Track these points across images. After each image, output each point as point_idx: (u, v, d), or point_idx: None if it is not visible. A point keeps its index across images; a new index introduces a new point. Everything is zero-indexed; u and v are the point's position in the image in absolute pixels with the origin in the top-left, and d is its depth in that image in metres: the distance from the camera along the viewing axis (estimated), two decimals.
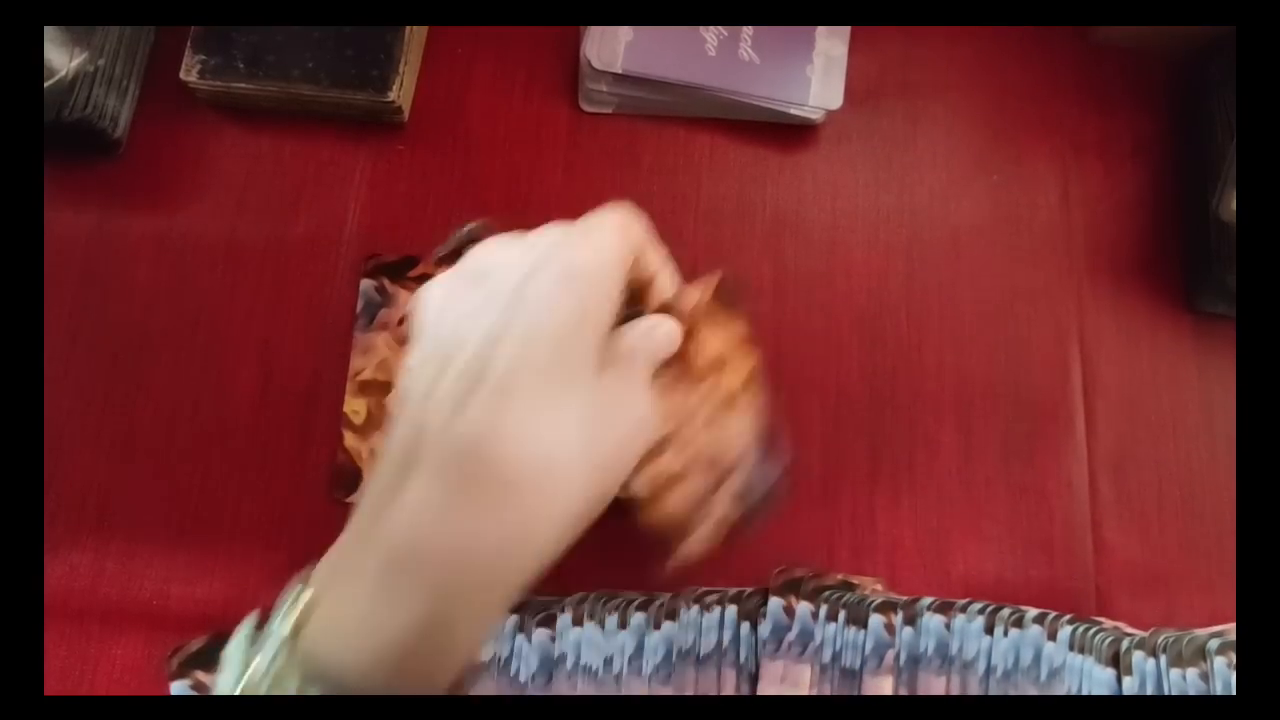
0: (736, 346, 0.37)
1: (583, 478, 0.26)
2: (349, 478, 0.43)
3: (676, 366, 0.33)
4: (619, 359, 0.28)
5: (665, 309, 0.33)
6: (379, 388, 0.44)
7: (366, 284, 0.45)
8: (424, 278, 0.45)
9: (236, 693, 0.24)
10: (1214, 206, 0.46)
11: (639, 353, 0.29)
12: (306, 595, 0.24)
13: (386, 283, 0.45)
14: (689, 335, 0.34)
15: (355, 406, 0.44)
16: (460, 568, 0.24)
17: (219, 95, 0.46)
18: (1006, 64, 0.52)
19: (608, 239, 0.29)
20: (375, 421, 0.44)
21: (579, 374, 0.26)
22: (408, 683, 0.24)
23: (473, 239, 0.30)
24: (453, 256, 0.30)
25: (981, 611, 0.42)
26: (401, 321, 0.42)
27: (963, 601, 0.42)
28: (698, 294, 0.34)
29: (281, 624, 0.24)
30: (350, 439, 0.43)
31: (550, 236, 0.28)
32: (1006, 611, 0.42)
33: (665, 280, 0.32)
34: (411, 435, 0.25)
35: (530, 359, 0.25)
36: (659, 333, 0.31)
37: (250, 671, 0.24)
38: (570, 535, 0.26)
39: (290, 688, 0.23)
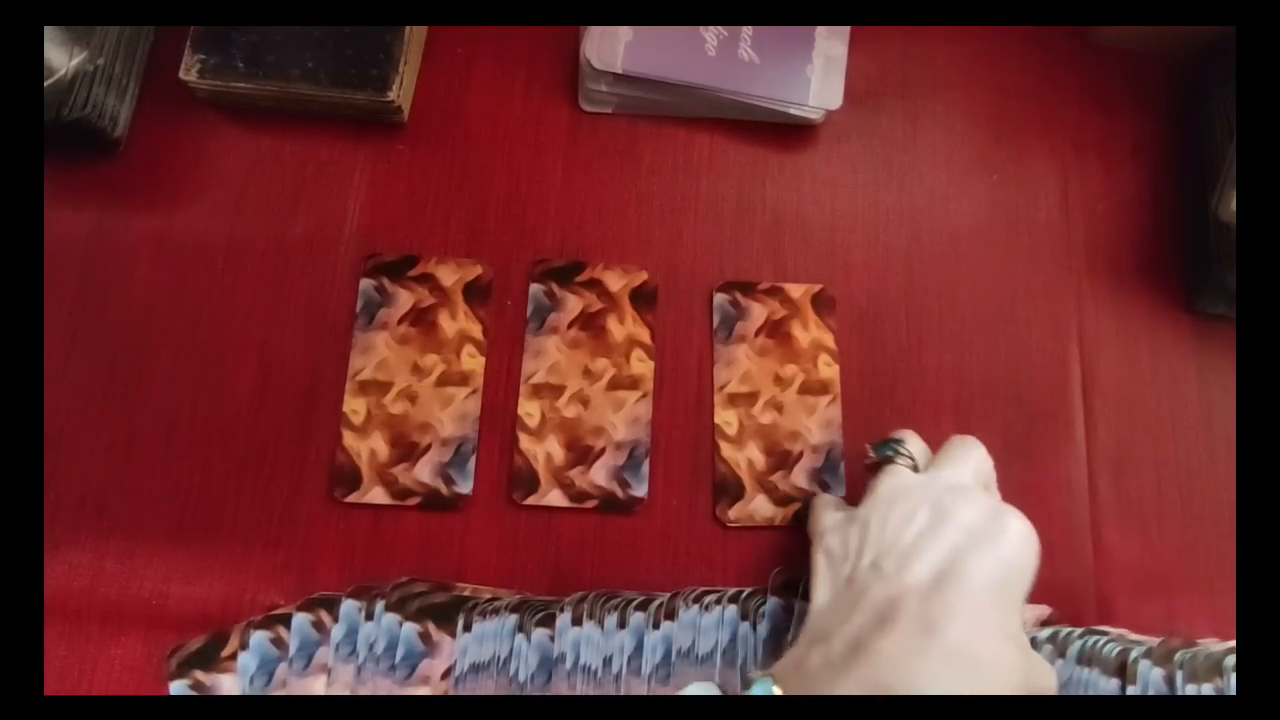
0: (824, 350, 0.45)
1: (1009, 681, 0.32)
2: (348, 477, 0.43)
3: (774, 341, 0.42)
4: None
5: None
6: (378, 387, 0.44)
7: (366, 283, 0.45)
8: (424, 278, 0.45)
9: None
10: (1214, 207, 0.46)
11: (1022, 595, 0.36)
12: (777, 691, 0.32)
13: (386, 282, 0.45)
14: (798, 320, 0.44)
15: (355, 406, 0.44)
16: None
17: (219, 95, 0.46)
18: (1006, 64, 0.52)
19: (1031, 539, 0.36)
20: (374, 421, 0.44)
21: (1007, 609, 0.34)
22: None
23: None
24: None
25: None
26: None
27: None
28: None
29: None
30: (350, 439, 0.43)
31: (992, 504, 0.36)
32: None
33: None
34: (887, 593, 0.33)
35: (990, 582, 0.33)
36: (1038, 611, 0.43)
37: None
38: None
39: None
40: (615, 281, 0.46)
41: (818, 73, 0.48)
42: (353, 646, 0.40)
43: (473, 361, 0.45)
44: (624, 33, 0.47)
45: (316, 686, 0.39)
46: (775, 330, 0.46)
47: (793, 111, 0.48)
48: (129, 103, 0.47)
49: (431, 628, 0.40)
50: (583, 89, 0.49)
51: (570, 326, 0.46)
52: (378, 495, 0.43)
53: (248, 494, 0.43)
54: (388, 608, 0.40)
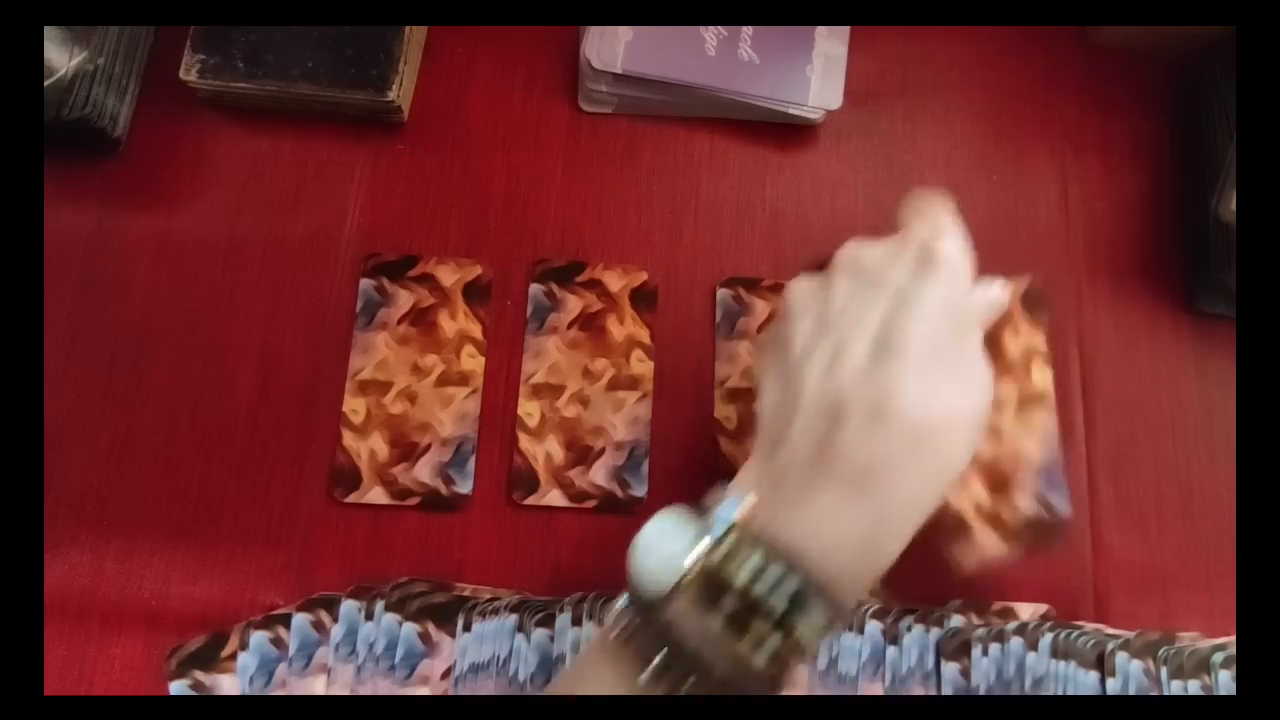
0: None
1: (971, 434, 0.31)
2: (348, 477, 0.43)
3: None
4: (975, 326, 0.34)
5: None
6: (378, 387, 0.44)
7: (366, 283, 0.45)
8: (424, 278, 0.45)
9: (687, 564, 0.28)
10: (1214, 206, 0.46)
11: (978, 315, 0.35)
12: (752, 498, 0.30)
13: (386, 282, 0.45)
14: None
15: (355, 406, 0.44)
16: (895, 487, 0.30)
17: (219, 94, 0.46)
18: (1006, 64, 0.52)
19: (953, 230, 0.34)
20: (374, 421, 0.44)
21: (962, 344, 0.32)
22: (859, 565, 0.30)
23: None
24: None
25: (959, 632, 0.42)
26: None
27: (940, 611, 0.42)
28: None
29: (732, 512, 0.29)
30: (349, 439, 0.43)
31: (905, 239, 0.34)
32: (983, 631, 0.41)
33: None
34: (825, 390, 0.31)
35: (928, 333, 0.30)
36: (995, 296, 0.37)
37: (701, 545, 0.29)
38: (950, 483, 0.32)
39: (752, 561, 0.28)
40: (615, 281, 0.46)
41: (818, 73, 0.48)
42: (352, 646, 0.40)
43: (472, 361, 0.45)
44: (624, 33, 0.47)
45: (316, 686, 0.39)
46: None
47: (793, 111, 0.48)
48: (129, 102, 0.47)
49: (431, 628, 0.40)
50: (583, 89, 0.49)
51: (570, 326, 0.46)
52: (378, 495, 0.43)
53: (248, 494, 0.43)
54: (387, 608, 0.40)
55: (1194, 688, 0.41)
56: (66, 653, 0.40)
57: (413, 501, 0.43)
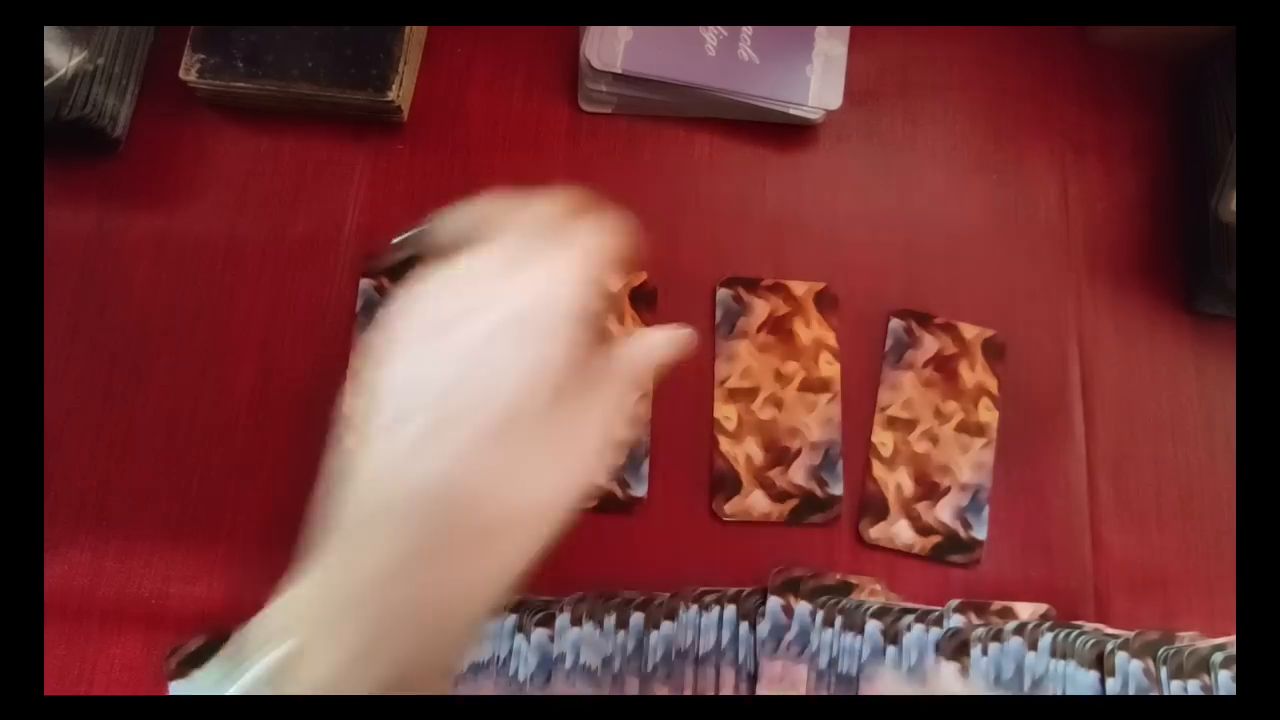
0: (825, 348, 0.44)
1: (547, 517, 0.27)
2: None
3: (776, 337, 0.41)
4: (600, 381, 0.29)
5: None
6: None
7: (366, 284, 0.45)
8: None
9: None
10: (1214, 206, 0.46)
11: (624, 373, 0.30)
12: (291, 647, 0.25)
13: (386, 282, 0.45)
14: (799, 317, 0.43)
15: (356, 406, 0.44)
16: (440, 613, 0.25)
17: (218, 94, 0.46)
18: (1006, 64, 0.52)
19: (563, 273, 0.28)
20: None
21: (539, 419, 0.27)
22: None
23: (422, 247, 0.30)
24: (404, 264, 0.30)
25: (959, 632, 0.42)
26: None
27: (940, 611, 0.42)
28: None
29: (262, 670, 0.25)
30: (351, 439, 0.43)
31: (506, 276, 0.28)
32: (982, 630, 0.42)
33: None
34: (375, 490, 0.26)
35: (492, 412, 0.26)
36: (651, 350, 0.31)
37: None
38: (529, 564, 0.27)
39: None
40: (615, 282, 0.46)
41: (817, 73, 0.48)
42: None
43: None
44: (624, 33, 0.47)
45: None
46: (778, 327, 0.46)
47: (793, 111, 0.48)
48: (129, 102, 0.47)
49: None
50: (583, 89, 0.49)
51: None
52: None
53: (248, 494, 0.43)
54: None
55: (1194, 688, 0.41)
56: (66, 653, 0.40)
57: None
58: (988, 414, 0.46)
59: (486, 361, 0.26)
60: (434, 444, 0.25)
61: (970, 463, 0.45)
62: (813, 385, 0.46)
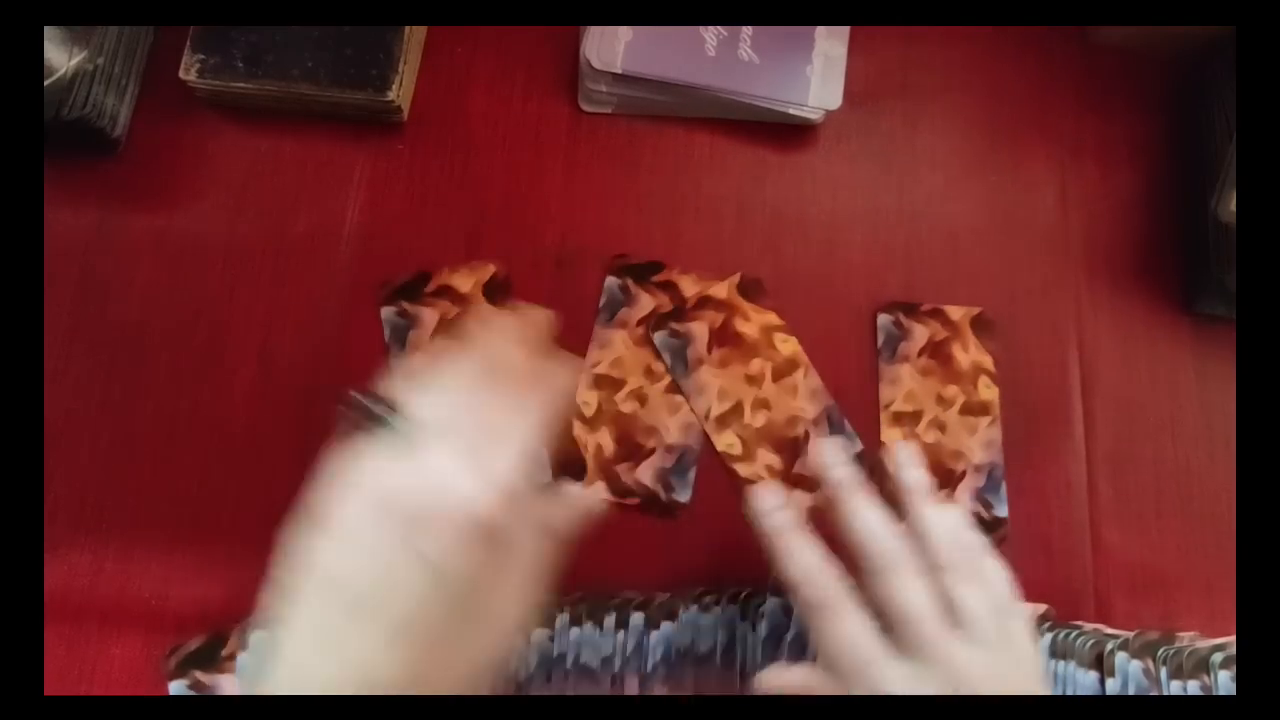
0: (774, 330, 0.45)
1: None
2: None
3: (728, 348, 0.43)
4: (529, 539, 0.31)
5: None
6: None
7: (388, 312, 0.45)
8: (442, 290, 0.45)
9: None
10: (1213, 207, 0.46)
11: (549, 532, 0.32)
12: None
13: (407, 305, 0.45)
14: (737, 316, 0.45)
15: None
16: None
17: (218, 94, 0.46)
18: (1005, 65, 0.52)
19: (504, 462, 0.29)
20: None
21: (469, 613, 0.28)
22: None
23: (373, 415, 0.30)
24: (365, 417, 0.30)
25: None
26: None
27: None
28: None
29: None
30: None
31: (446, 467, 0.28)
32: None
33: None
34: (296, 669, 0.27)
35: (431, 607, 0.27)
36: (576, 514, 0.34)
37: None
38: None
39: None
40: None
41: (817, 73, 0.48)
42: None
43: None
44: (624, 33, 0.47)
45: None
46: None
47: (793, 111, 0.48)
48: (129, 102, 0.47)
49: None
50: (583, 89, 0.49)
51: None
52: None
53: (248, 494, 0.43)
54: None
55: (1193, 688, 0.41)
56: (66, 653, 0.40)
57: None
58: (988, 391, 0.46)
59: (425, 562, 0.27)
60: (359, 625, 0.27)
61: (980, 443, 0.45)
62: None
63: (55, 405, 0.43)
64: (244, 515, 0.43)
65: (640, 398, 0.45)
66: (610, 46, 0.47)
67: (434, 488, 0.28)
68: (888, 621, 0.32)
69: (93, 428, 0.43)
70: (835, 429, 0.45)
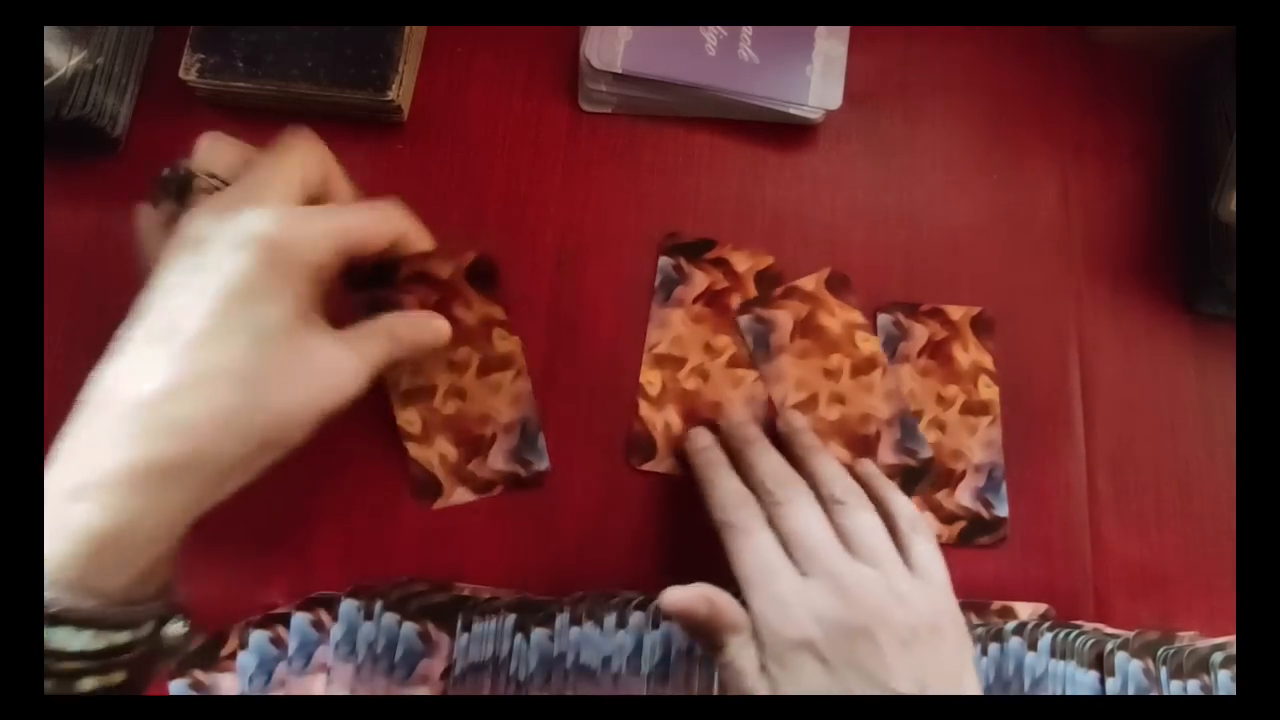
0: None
1: (244, 427, 0.31)
2: None
3: (810, 340, 0.45)
4: (361, 332, 0.35)
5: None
6: (425, 393, 0.44)
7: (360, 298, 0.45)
8: (419, 276, 0.45)
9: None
10: (1214, 207, 0.46)
11: (381, 336, 0.36)
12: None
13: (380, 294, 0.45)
14: (822, 310, 0.46)
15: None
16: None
17: (218, 94, 0.46)
18: (1006, 64, 0.52)
19: (280, 179, 0.34)
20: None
21: (262, 329, 0.31)
22: None
23: (183, 183, 0.35)
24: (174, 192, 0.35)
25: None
26: None
27: None
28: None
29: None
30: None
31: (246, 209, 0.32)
32: (981, 630, 0.42)
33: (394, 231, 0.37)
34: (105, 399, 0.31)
35: (206, 315, 0.30)
36: (419, 328, 0.38)
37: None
38: (235, 473, 0.32)
39: None
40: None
41: (817, 73, 0.48)
42: (352, 646, 0.40)
43: (505, 344, 0.45)
44: (624, 33, 0.47)
45: (316, 686, 0.39)
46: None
47: (793, 111, 0.48)
48: (128, 102, 0.47)
49: (431, 627, 0.40)
50: (583, 89, 0.49)
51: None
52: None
53: (247, 493, 0.43)
54: (387, 607, 0.40)
55: (1193, 687, 0.41)
56: None
57: (409, 496, 0.43)
58: (988, 390, 0.46)
59: (206, 274, 0.31)
60: (156, 347, 0.31)
61: (980, 442, 0.45)
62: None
63: (55, 405, 0.43)
64: (244, 514, 0.43)
65: (702, 374, 0.45)
66: (610, 46, 0.47)
67: (225, 218, 0.32)
68: (790, 545, 0.36)
69: None
70: (908, 432, 0.45)
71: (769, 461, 0.39)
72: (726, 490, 0.39)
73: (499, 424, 0.44)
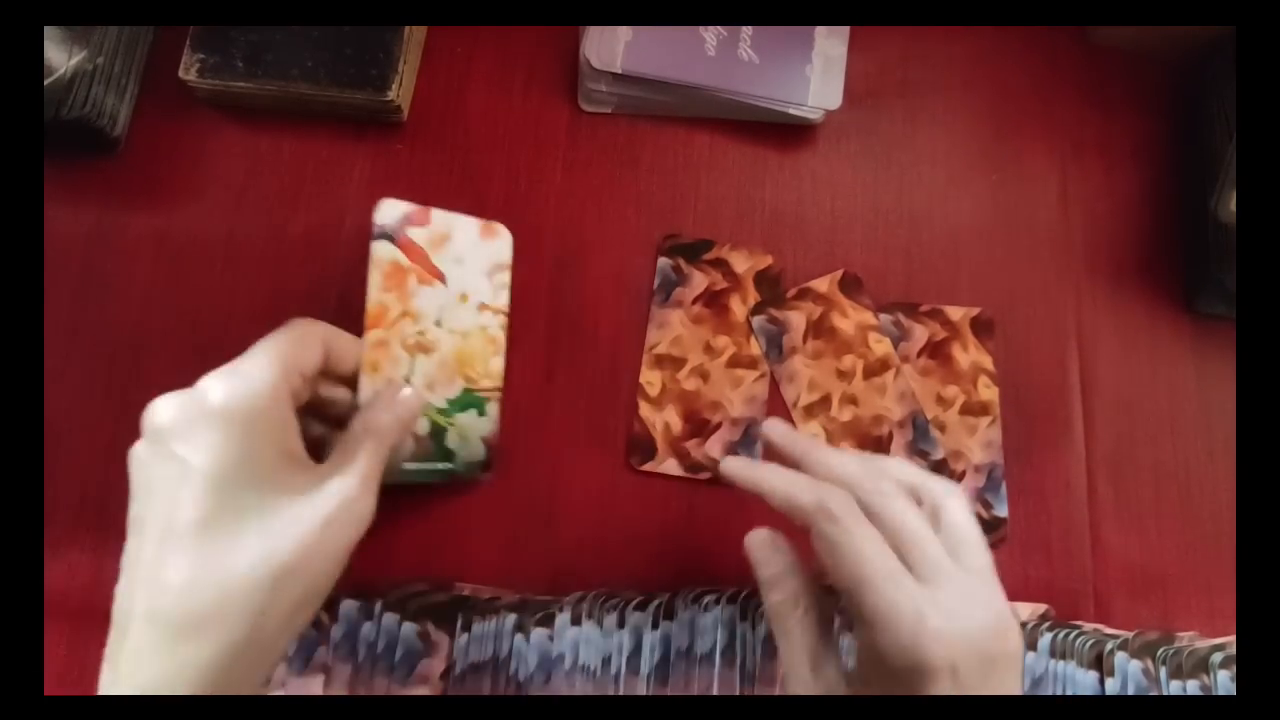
0: (869, 329, 0.46)
1: (262, 597, 0.29)
2: None
3: (823, 340, 0.45)
4: (345, 449, 0.33)
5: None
6: None
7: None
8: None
9: None
10: (1213, 206, 0.46)
11: (365, 441, 0.33)
12: None
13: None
14: (835, 311, 0.46)
15: None
16: None
17: (218, 94, 0.46)
18: (1006, 64, 0.52)
19: (256, 365, 0.32)
20: None
21: (254, 500, 0.29)
22: None
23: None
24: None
25: None
26: None
27: None
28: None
29: None
30: None
31: (203, 383, 0.31)
32: None
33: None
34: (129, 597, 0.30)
35: (191, 504, 0.29)
36: (393, 410, 0.35)
37: None
38: (282, 635, 0.30)
39: None
40: (740, 263, 0.47)
41: (817, 73, 0.48)
42: (352, 646, 0.40)
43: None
44: (624, 33, 0.47)
45: (315, 686, 0.39)
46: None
47: (792, 111, 0.48)
48: (128, 102, 0.47)
49: (431, 627, 0.40)
50: (582, 89, 0.49)
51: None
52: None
53: None
54: (387, 607, 0.40)
55: (1193, 688, 0.41)
56: (66, 653, 0.40)
57: (408, 497, 0.43)
58: (988, 391, 0.46)
59: (178, 462, 0.29)
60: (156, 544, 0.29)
61: (980, 443, 0.45)
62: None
63: (55, 405, 0.43)
64: None
65: (702, 374, 0.45)
66: (610, 46, 0.47)
67: (182, 399, 0.30)
68: (899, 542, 0.31)
69: (92, 427, 0.43)
70: (920, 433, 0.45)
71: (838, 455, 0.35)
72: (801, 480, 0.34)
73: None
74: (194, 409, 0.30)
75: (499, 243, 0.41)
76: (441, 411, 0.40)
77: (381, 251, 0.38)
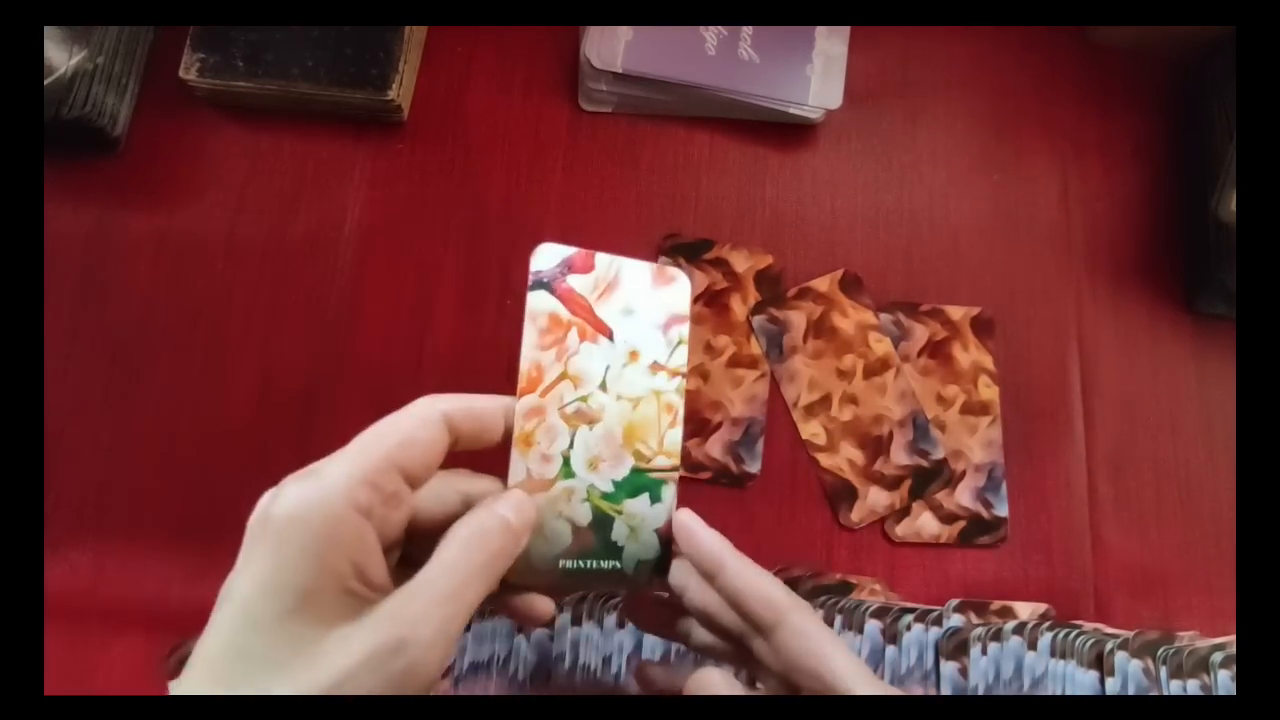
0: (869, 328, 0.46)
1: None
2: None
3: (823, 340, 0.45)
4: (430, 572, 0.27)
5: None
6: None
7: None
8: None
9: None
10: (1214, 206, 0.46)
11: (456, 566, 0.28)
12: None
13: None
14: (836, 311, 0.46)
15: None
16: None
17: (218, 93, 0.46)
18: (1006, 64, 0.52)
19: (336, 470, 0.27)
20: None
21: (295, 630, 0.26)
22: None
23: None
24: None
25: (958, 631, 0.42)
26: None
27: (940, 610, 0.42)
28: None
29: None
30: None
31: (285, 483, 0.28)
32: (981, 630, 0.42)
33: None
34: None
35: (226, 627, 0.27)
36: (482, 539, 0.28)
37: None
38: None
39: None
40: (740, 263, 0.47)
41: (818, 72, 0.48)
42: None
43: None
44: (624, 32, 0.47)
45: None
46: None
47: (793, 111, 0.48)
48: (129, 101, 0.47)
49: None
50: (583, 88, 0.49)
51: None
52: None
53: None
54: None
55: (1193, 687, 0.41)
56: (66, 653, 0.40)
57: None
58: (988, 390, 0.46)
59: (253, 565, 0.28)
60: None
61: (980, 442, 0.45)
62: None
63: (55, 404, 0.43)
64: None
65: (702, 374, 0.45)
66: (610, 46, 0.47)
67: (273, 493, 0.28)
68: None
69: (92, 427, 0.43)
70: (920, 433, 0.45)
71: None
72: (759, 576, 0.32)
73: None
74: (263, 511, 0.27)
75: (675, 289, 0.33)
76: (607, 497, 0.32)
77: (538, 303, 0.31)
